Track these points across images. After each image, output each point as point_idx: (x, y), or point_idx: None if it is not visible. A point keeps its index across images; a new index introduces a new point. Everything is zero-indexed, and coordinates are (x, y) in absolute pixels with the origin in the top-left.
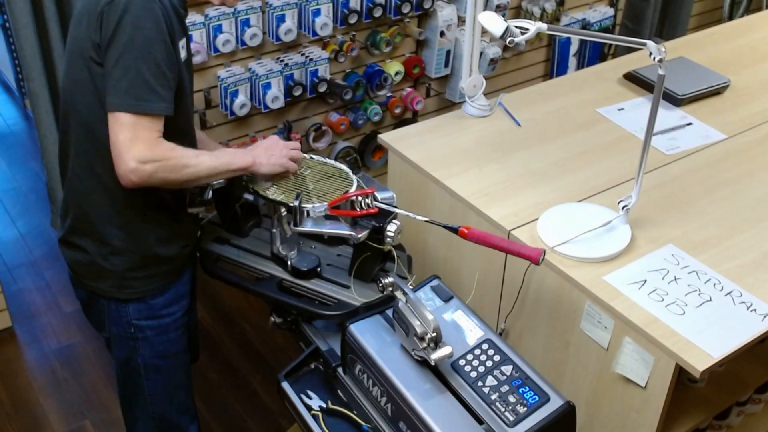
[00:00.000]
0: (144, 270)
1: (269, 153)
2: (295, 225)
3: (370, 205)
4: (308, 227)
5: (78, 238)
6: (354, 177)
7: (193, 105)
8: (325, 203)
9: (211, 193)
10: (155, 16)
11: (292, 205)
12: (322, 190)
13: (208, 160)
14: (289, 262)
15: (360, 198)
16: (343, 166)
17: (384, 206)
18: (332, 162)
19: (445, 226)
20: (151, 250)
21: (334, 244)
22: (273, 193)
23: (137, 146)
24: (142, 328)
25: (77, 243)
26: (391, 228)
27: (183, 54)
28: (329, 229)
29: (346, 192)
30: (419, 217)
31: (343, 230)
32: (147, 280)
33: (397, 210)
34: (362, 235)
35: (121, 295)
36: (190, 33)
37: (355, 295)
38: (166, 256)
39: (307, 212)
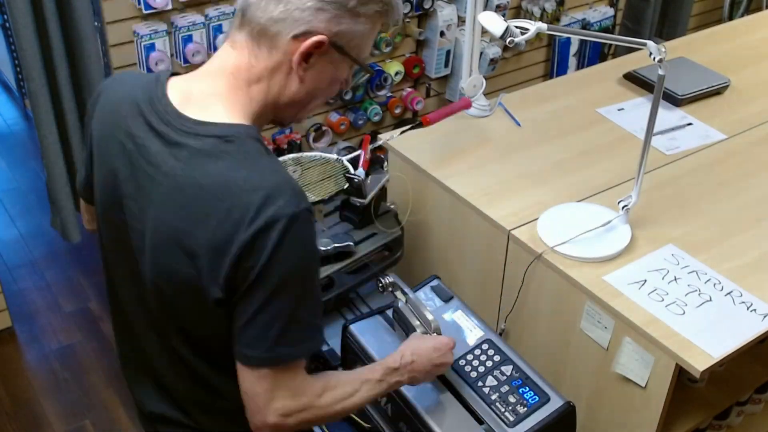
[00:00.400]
0: None
1: (431, 372)
2: (364, 197)
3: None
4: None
5: None
6: (344, 160)
7: None
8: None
9: None
10: (313, 232)
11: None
12: (327, 188)
13: (363, 397)
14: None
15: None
16: (329, 155)
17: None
18: (321, 156)
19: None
20: None
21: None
22: None
23: (280, 398)
24: None
25: None
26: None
27: None
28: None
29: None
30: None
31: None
32: None
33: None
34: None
35: None
36: (190, 33)
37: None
38: None
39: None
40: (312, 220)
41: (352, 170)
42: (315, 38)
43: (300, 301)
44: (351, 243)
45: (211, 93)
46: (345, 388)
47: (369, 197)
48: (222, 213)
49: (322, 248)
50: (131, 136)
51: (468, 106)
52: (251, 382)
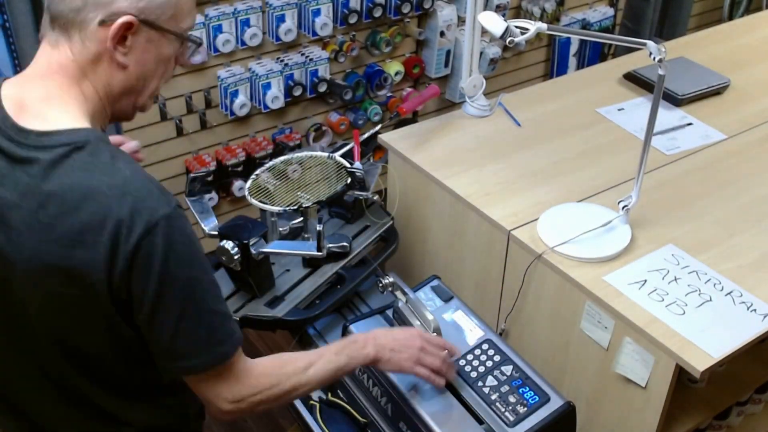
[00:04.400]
0: None
1: (398, 350)
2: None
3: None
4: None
5: None
6: (339, 158)
7: None
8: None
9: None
10: (190, 225)
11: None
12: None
13: (320, 371)
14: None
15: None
16: (319, 153)
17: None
18: (311, 154)
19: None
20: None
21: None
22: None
23: (226, 389)
24: None
25: None
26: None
27: None
28: (292, 249)
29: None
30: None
31: (309, 250)
32: None
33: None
34: (324, 252)
35: None
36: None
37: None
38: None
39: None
40: (184, 215)
41: (348, 165)
42: (121, 20)
43: (213, 294)
44: (346, 243)
45: (44, 97)
46: (297, 364)
47: (372, 189)
48: (95, 226)
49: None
50: None
51: (437, 93)
52: (198, 385)
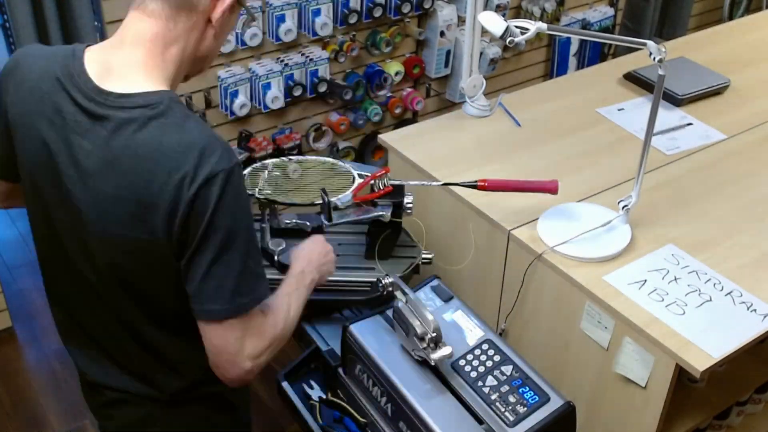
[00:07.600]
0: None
1: (323, 263)
2: (329, 220)
3: (386, 185)
4: (340, 219)
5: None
6: (349, 167)
7: None
8: (349, 193)
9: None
10: (244, 185)
11: (318, 202)
12: (331, 186)
13: (297, 311)
14: (276, 258)
15: (376, 180)
16: (332, 159)
17: (396, 182)
18: (323, 159)
19: (462, 184)
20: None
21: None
22: (276, 195)
23: (249, 342)
24: None
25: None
26: (408, 199)
27: None
28: (361, 216)
29: (361, 179)
30: (434, 183)
31: (376, 212)
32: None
33: (410, 182)
34: (389, 212)
35: None
36: None
37: (384, 272)
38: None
39: (335, 206)
40: (243, 175)
41: (353, 170)
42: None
43: (247, 250)
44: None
45: (130, 63)
46: (282, 310)
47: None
48: (163, 177)
49: None
50: (59, 112)
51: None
52: (220, 335)
